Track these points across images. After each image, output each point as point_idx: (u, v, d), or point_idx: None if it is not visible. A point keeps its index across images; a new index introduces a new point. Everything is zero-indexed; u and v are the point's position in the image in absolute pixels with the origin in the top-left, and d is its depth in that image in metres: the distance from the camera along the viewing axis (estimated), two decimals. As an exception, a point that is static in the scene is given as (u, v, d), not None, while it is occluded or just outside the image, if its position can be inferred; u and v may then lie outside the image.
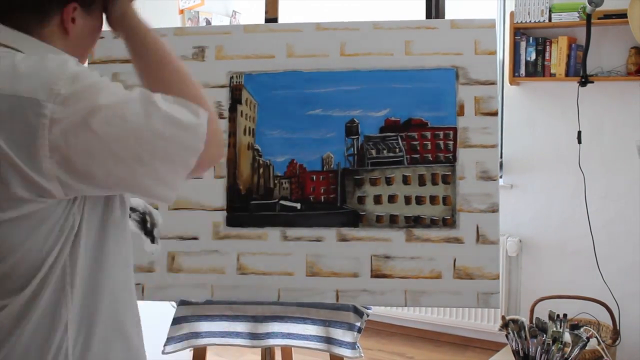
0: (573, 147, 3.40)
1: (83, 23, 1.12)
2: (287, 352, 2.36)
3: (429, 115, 1.95)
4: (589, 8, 3.15)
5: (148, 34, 1.18)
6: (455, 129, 1.95)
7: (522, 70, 3.49)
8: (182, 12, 3.67)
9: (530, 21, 3.41)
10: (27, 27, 1.08)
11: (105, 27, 1.20)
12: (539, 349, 2.33)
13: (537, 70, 3.46)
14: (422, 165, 1.95)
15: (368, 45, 1.98)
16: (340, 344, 2.19)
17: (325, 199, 1.96)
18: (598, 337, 2.89)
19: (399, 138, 1.96)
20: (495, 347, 3.52)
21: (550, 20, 3.36)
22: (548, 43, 3.41)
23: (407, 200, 1.95)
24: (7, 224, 1.01)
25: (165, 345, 2.00)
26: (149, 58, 1.15)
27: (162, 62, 1.14)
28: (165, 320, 2.07)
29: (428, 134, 1.95)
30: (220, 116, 2.03)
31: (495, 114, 1.95)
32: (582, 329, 2.43)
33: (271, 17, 2.15)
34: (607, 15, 3.23)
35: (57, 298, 1.05)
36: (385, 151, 1.95)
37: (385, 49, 1.98)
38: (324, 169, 1.97)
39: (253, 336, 2.08)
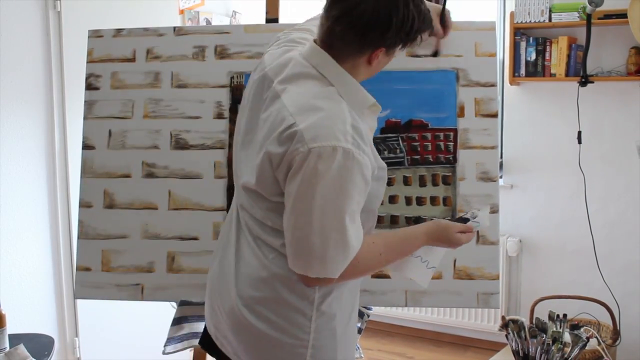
0: (573, 147, 3.40)
1: (382, 58, 1.44)
2: (287, 352, 2.36)
3: (429, 116, 1.95)
4: (589, 8, 3.15)
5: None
6: (455, 130, 1.95)
7: (522, 71, 3.49)
8: (182, 12, 3.66)
9: (530, 21, 3.41)
10: (344, 56, 1.40)
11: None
12: (539, 349, 2.34)
13: (537, 70, 3.46)
14: (422, 166, 1.95)
15: (368, 45, 1.98)
16: (341, 344, 2.18)
17: (325, 200, 1.96)
18: (598, 337, 2.89)
19: (400, 139, 1.96)
20: (495, 347, 3.52)
21: (550, 20, 3.36)
22: (548, 43, 3.41)
23: (408, 201, 1.95)
24: None
25: (165, 345, 2.00)
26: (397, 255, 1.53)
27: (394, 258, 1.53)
28: (165, 320, 2.07)
29: (429, 135, 1.95)
30: (221, 116, 2.03)
31: (495, 115, 1.96)
32: (582, 329, 2.43)
33: (272, 17, 2.15)
34: (607, 15, 3.23)
35: None
36: (386, 152, 1.95)
37: (385, 50, 1.97)
38: (325, 169, 1.96)
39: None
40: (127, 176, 2.04)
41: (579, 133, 3.37)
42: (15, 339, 2.29)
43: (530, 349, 2.36)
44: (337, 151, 1.28)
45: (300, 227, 1.33)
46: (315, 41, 1.44)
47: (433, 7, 1.79)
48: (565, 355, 2.30)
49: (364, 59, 1.41)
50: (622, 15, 3.14)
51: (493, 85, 1.96)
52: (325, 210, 1.30)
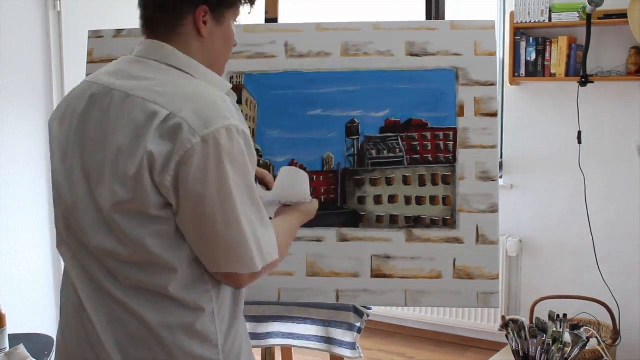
0: (573, 147, 3.40)
1: (214, 27, 1.33)
2: (287, 352, 2.36)
3: (429, 115, 1.95)
4: (589, 8, 3.15)
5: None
6: (455, 130, 1.95)
7: (522, 70, 3.49)
8: (182, 12, 3.66)
9: (530, 21, 3.41)
10: (172, 36, 1.27)
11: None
12: (539, 349, 2.33)
13: (537, 70, 3.46)
14: (422, 165, 1.95)
15: (368, 45, 1.98)
16: (340, 344, 2.19)
17: (325, 199, 1.96)
18: (598, 337, 2.89)
19: (399, 138, 1.96)
20: (495, 347, 3.52)
21: (550, 20, 3.36)
22: (548, 43, 3.41)
23: (408, 200, 1.95)
24: None
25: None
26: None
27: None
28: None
29: (428, 134, 1.95)
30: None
31: (495, 114, 1.96)
32: (582, 329, 2.43)
33: (271, 17, 2.15)
34: (607, 15, 3.23)
35: None
36: (385, 151, 1.96)
37: (385, 50, 1.98)
38: (324, 169, 1.97)
39: (253, 336, 2.08)
40: (127, 176, 2.04)
41: (579, 133, 3.37)
42: (15, 339, 2.29)
43: (530, 349, 2.36)
44: (232, 130, 1.16)
45: (226, 221, 1.17)
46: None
47: None
48: (566, 355, 2.30)
49: (190, 30, 1.28)
50: (622, 15, 3.14)
51: (493, 84, 1.96)
52: (241, 193, 1.18)
